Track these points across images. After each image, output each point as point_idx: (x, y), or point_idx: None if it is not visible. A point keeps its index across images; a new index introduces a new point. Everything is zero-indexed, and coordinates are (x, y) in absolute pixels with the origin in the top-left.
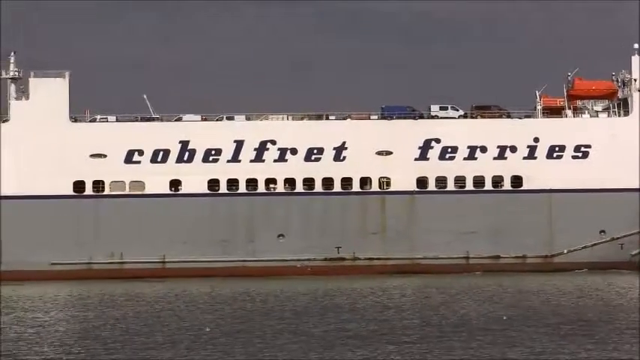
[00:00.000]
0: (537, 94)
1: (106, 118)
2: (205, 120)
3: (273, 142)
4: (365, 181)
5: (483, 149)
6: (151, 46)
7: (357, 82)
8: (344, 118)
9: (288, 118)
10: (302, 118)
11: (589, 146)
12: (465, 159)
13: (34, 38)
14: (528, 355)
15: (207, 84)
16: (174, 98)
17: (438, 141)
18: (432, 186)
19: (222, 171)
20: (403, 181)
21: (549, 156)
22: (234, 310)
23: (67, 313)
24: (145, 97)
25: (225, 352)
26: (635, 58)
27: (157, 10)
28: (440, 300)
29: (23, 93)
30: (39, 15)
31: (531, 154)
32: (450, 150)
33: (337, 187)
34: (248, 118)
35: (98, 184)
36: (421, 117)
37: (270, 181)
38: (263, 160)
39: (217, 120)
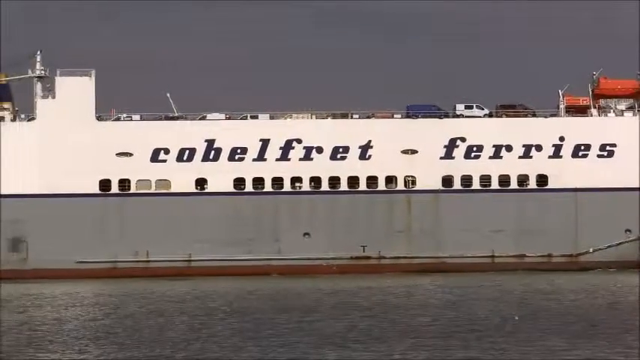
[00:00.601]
0: (560, 94)
1: (130, 116)
2: (229, 119)
3: (299, 141)
4: (390, 180)
5: (509, 148)
6: (166, 45)
7: (379, 81)
8: (367, 117)
9: (312, 117)
10: (326, 117)
11: (614, 145)
12: (490, 158)
13: (55, 38)
14: (542, 356)
15: (223, 83)
16: (195, 97)
17: (463, 140)
18: (457, 185)
19: (248, 170)
20: (428, 179)
21: (575, 155)
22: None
23: (80, 311)
24: (168, 95)
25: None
26: None
27: (169, 9)
28: (450, 298)
29: (49, 91)
30: (55, 14)
31: (557, 153)
32: (475, 149)
33: (363, 185)
34: (272, 117)
35: (124, 183)
36: (446, 116)
37: (296, 180)
38: (288, 159)
39: (241, 119)
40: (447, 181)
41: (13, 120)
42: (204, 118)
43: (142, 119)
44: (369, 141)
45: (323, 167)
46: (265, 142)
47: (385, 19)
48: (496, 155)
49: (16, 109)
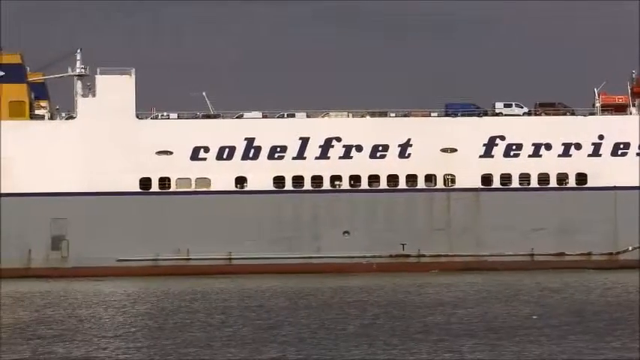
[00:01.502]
0: (596, 92)
1: (168, 115)
2: (266, 117)
3: (339, 140)
4: (430, 179)
5: (548, 146)
6: (193, 44)
7: (418, 80)
8: (404, 116)
9: (349, 116)
10: (362, 116)
11: None
12: (529, 156)
13: (95, 37)
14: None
15: (245, 82)
16: (230, 95)
17: (502, 138)
18: (496, 183)
19: (288, 168)
20: (468, 178)
21: (614, 153)
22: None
23: (95, 309)
24: (204, 94)
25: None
26: None
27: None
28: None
29: (90, 90)
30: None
31: (596, 152)
32: (514, 147)
33: (402, 184)
34: (309, 116)
35: (164, 181)
36: (485, 114)
37: (336, 178)
38: (328, 157)
39: (278, 117)
40: (487, 179)
41: (51, 118)
42: (241, 116)
43: (179, 118)
44: (409, 139)
45: (362, 165)
46: (305, 141)
47: (444, 19)
48: (535, 154)
49: (57, 107)
